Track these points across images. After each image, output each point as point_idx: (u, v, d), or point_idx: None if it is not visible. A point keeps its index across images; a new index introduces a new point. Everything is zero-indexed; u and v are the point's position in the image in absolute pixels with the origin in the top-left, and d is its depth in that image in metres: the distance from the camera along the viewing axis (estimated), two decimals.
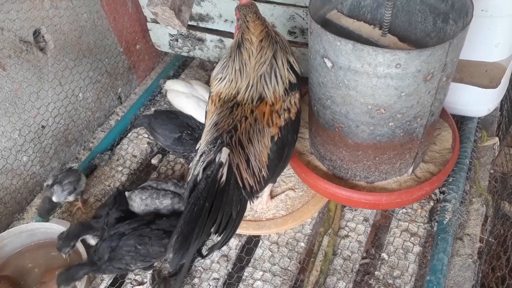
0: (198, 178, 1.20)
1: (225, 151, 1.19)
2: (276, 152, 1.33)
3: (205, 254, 1.33)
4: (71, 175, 1.63)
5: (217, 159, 1.19)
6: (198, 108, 1.81)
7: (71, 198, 1.64)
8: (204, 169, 1.20)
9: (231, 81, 1.36)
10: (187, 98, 1.87)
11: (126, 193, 1.57)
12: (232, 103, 1.34)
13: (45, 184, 1.64)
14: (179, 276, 1.42)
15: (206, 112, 1.46)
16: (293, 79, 1.38)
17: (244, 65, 1.35)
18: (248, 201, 1.29)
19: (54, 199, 1.59)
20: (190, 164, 1.32)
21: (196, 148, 1.33)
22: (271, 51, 1.35)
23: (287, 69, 1.37)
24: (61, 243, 1.42)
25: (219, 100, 1.37)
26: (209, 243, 1.54)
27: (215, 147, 1.22)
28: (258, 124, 1.31)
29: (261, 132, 1.30)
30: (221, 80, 1.39)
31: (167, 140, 1.71)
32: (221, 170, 1.18)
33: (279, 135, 1.33)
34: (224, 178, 1.18)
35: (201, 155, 1.25)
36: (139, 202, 1.54)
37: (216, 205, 1.16)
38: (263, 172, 1.30)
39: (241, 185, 1.23)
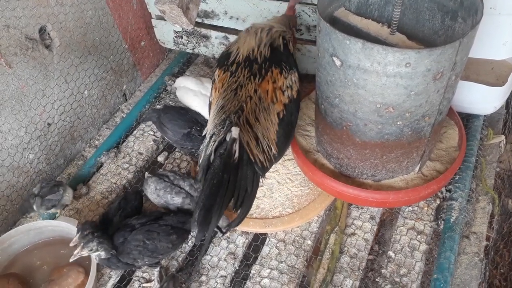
0: (212, 158, 1.26)
1: (235, 129, 1.25)
2: (283, 130, 1.40)
3: (224, 230, 1.43)
4: (54, 192, 1.61)
5: (227, 138, 1.25)
6: (205, 106, 1.81)
7: (51, 211, 1.65)
8: (216, 149, 1.26)
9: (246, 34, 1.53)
10: (195, 96, 1.86)
11: (146, 174, 1.59)
12: (235, 85, 1.41)
13: (33, 189, 1.63)
14: (202, 248, 1.47)
15: (210, 102, 1.50)
16: (280, 42, 1.50)
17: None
18: (260, 178, 1.35)
19: (35, 208, 1.59)
20: (201, 147, 1.37)
21: (203, 134, 1.39)
22: (274, 23, 1.54)
23: (279, 35, 1.51)
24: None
25: (222, 86, 1.44)
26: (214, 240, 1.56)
27: (225, 128, 1.29)
28: (263, 103, 1.38)
29: (266, 110, 1.37)
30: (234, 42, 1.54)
31: (176, 135, 1.71)
32: (234, 146, 1.24)
33: (284, 112, 1.41)
34: (237, 154, 1.24)
35: (211, 137, 1.31)
36: (152, 190, 1.55)
37: (232, 180, 1.22)
38: (273, 150, 1.36)
39: (253, 161, 1.29)
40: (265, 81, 1.40)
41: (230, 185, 1.21)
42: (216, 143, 1.27)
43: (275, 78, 1.42)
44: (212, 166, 1.24)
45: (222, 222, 1.46)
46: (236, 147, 1.24)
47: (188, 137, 1.68)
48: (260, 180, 1.36)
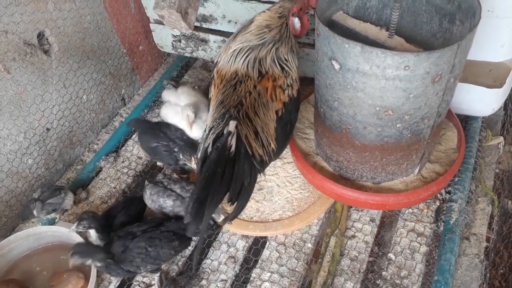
0: (209, 150, 1.28)
1: (232, 122, 1.27)
2: (281, 128, 1.41)
3: (220, 224, 1.44)
4: (55, 196, 1.62)
5: (225, 131, 1.27)
6: (176, 114, 1.76)
7: (51, 215, 1.65)
8: (214, 142, 1.28)
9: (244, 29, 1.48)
10: (167, 107, 1.83)
11: (146, 182, 1.60)
12: (234, 81, 1.42)
13: (33, 194, 1.64)
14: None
15: (209, 98, 1.52)
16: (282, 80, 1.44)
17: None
18: (259, 172, 1.35)
19: (35, 213, 1.60)
20: (200, 140, 1.40)
21: (203, 129, 1.40)
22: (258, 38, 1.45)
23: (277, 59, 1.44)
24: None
25: (221, 82, 1.45)
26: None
27: (224, 121, 1.30)
28: (262, 98, 1.39)
29: (265, 106, 1.38)
30: (234, 35, 1.49)
31: (147, 149, 1.75)
32: (229, 138, 1.25)
33: (283, 111, 1.41)
34: (233, 147, 1.25)
35: (210, 129, 1.33)
36: (148, 195, 1.56)
37: (228, 173, 1.23)
38: (272, 145, 1.37)
39: (250, 154, 1.30)
40: (265, 79, 1.41)
41: (225, 177, 1.21)
42: (214, 135, 1.29)
43: (275, 77, 1.42)
44: (208, 159, 1.25)
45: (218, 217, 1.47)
46: (233, 140, 1.25)
47: (156, 151, 1.69)
48: (259, 175, 1.37)
